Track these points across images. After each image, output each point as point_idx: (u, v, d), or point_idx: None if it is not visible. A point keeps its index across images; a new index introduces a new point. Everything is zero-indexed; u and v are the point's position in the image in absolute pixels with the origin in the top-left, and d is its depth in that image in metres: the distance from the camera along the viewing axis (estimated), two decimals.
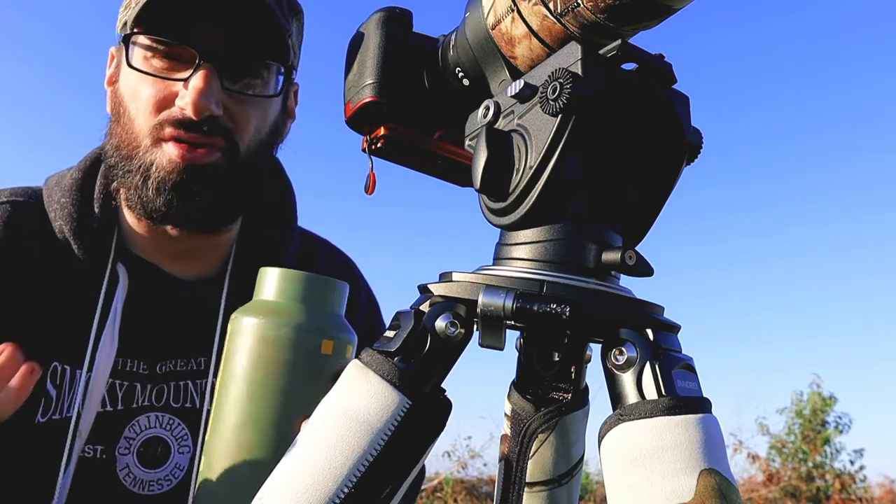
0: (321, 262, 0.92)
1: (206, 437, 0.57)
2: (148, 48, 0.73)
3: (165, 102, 0.72)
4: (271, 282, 0.55)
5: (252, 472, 0.52)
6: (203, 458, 0.57)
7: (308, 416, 0.47)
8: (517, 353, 0.52)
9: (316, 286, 0.54)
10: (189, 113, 0.70)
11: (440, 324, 0.41)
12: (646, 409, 0.38)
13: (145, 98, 0.73)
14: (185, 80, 0.71)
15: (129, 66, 0.73)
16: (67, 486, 0.70)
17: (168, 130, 0.71)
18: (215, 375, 0.76)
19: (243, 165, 0.75)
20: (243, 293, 0.80)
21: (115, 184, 0.78)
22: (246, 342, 0.53)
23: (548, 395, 0.51)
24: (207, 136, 0.72)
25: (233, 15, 0.71)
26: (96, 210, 0.78)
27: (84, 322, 0.74)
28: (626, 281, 0.45)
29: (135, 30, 0.72)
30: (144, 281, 0.78)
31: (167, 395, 0.77)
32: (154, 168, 0.72)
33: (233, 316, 0.56)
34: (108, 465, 0.73)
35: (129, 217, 0.80)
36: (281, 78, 0.78)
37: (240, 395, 0.53)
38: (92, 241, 0.77)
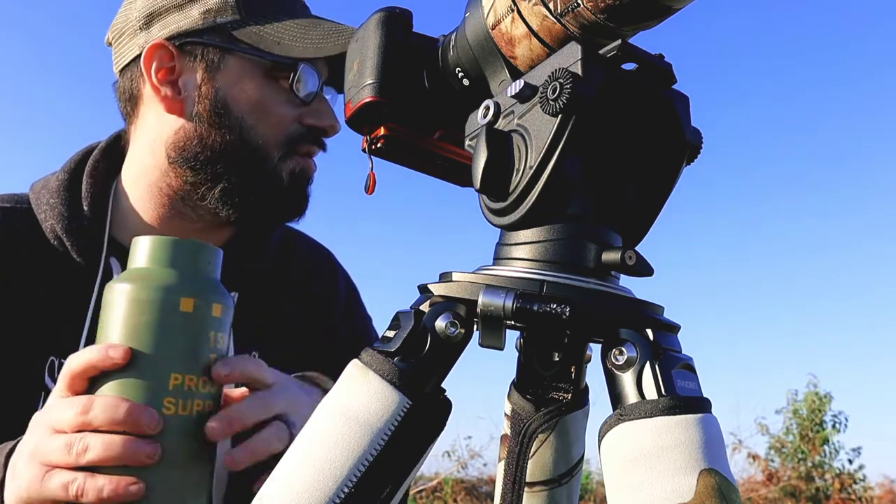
0: (299, 252, 0.96)
1: None
2: (276, 65, 0.81)
3: (291, 121, 0.82)
4: (140, 250, 0.57)
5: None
6: None
7: (185, 372, 0.54)
8: (517, 353, 0.52)
9: (180, 250, 0.56)
10: (330, 132, 0.84)
11: (440, 324, 0.42)
12: (646, 409, 0.38)
13: (279, 113, 0.81)
14: (308, 104, 0.82)
15: (292, 90, 0.81)
16: None
17: (304, 147, 0.83)
18: None
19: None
20: (234, 280, 0.83)
21: (182, 173, 0.81)
22: (114, 309, 0.55)
23: (548, 395, 0.51)
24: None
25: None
26: (85, 208, 0.81)
27: (80, 317, 0.76)
28: (626, 281, 0.45)
29: (298, 59, 0.81)
30: None
31: None
32: (285, 176, 0.82)
33: (106, 286, 0.57)
34: None
35: (137, 213, 0.83)
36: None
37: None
38: (85, 239, 0.79)
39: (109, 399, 0.52)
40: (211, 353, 0.56)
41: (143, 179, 0.83)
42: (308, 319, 0.92)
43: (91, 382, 0.54)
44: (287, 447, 0.57)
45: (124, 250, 0.81)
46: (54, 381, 0.74)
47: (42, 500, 0.53)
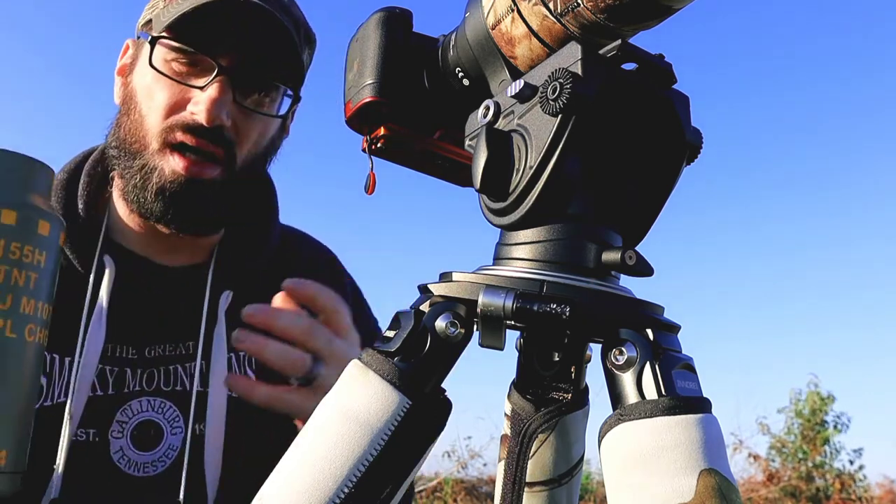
0: (301, 252, 0.96)
1: None
2: (171, 52, 0.76)
3: (178, 106, 0.76)
4: None
5: None
6: None
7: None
8: (517, 353, 0.52)
9: (4, 161, 0.52)
10: (201, 119, 0.74)
11: (440, 324, 0.42)
12: (646, 409, 0.38)
13: (159, 100, 0.76)
14: (202, 88, 0.75)
15: (151, 66, 0.76)
16: (61, 469, 0.71)
17: (178, 135, 0.75)
18: (203, 358, 0.80)
19: (238, 178, 0.80)
20: (227, 278, 0.83)
21: (112, 172, 0.81)
22: None
23: (548, 395, 0.51)
24: (212, 144, 0.76)
25: (254, 35, 0.75)
26: (81, 207, 0.81)
27: (73, 313, 0.76)
28: (626, 281, 0.45)
29: (163, 34, 0.75)
30: (132, 270, 0.81)
31: (157, 379, 0.79)
32: (157, 174, 0.76)
33: None
34: (102, 448, 0.75)
35: (122, 210, 0.83)
36: (288, 100, 0.83)
37: None
38: (79, 237, 0.79)
39: None
40: (32, 272, 0.51)
41: (116, 181, 0.83)
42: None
43: None
44: (299, 379, 0.55)
45: (121, 250, 0.81)
46: (46, 375, 0.74)
47: None
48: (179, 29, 0.75)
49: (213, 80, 0.75)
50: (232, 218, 0.86)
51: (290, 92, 0.83)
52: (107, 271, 0.78)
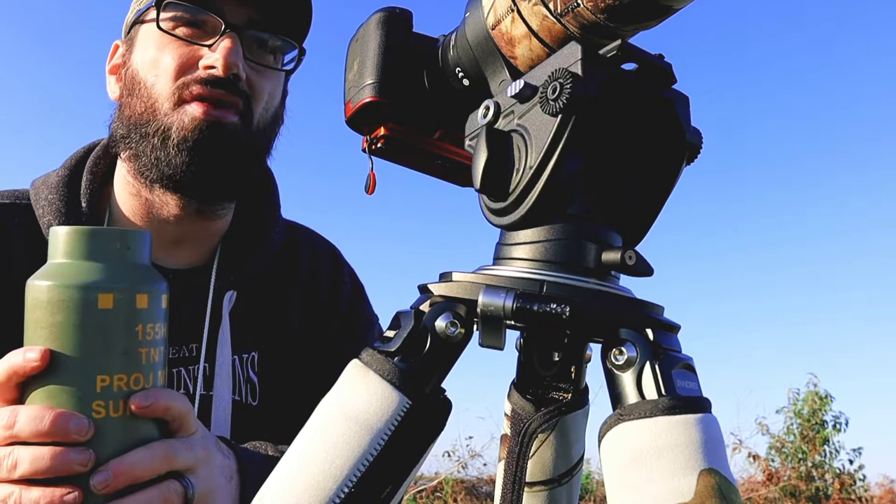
0: (304, 249, 0.94)
1: None
2: (173, 19, 0.76)
3: (188, 66, 0.75)
4: (58, 242, 0.53)
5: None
6: None
7: (111, 372, 0.50)
8: (517, 353, 0.52)
9: (98, 240, 0.52)
10: (218, 69, 0.74)
11: (440, 324, 0.42)
12: (646, 409, 0.38)
13: (167, 63, 0.75)
14: (211, 46, 0.75)
15: (159, 28, 0.76)
16: None
17: (194, 88, 0.74)
18: (206, 361, 0.78)
19: (255, 135, 0.79)
20: (230, 280, 0.82)
21: (121, 158, 0.80)
22: (30, 310, 0.52)
23: (548, 395, 0.51)
24: (230, 94, 0.75)
25: None
26: (83, 204, 0.80)
27: None
28: (626, 281, 0.45)
29: None
30: None
31: None
32: (175, 128, 0.74)
33: (27, 283, 0.53)
34: None
35: (125, 207, 0.82)
36: (294, 56, 0.83)
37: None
38: None
39: (34, 410, 0.49)
40: (141, 347, 0.52)
41: (119, 174, 0.83)
42: (312, 317, 0.91)
43: (21, 389, 0.52)
44: None
45: None
46: None
47: None
48: None
49: (224, 36, 0.75)
50: (248, 186, 0.84)
51: (296, 48, 0.82)
52: None
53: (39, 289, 0.51)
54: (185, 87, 0.74)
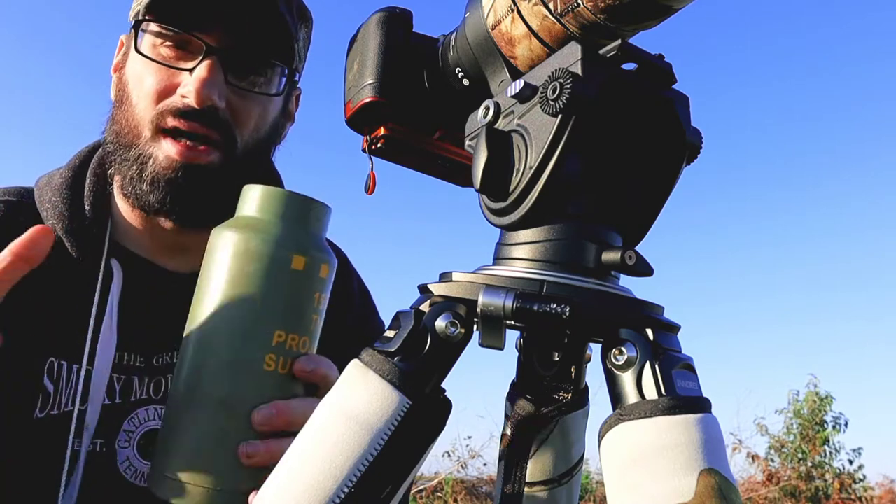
0: None
1: (178, 358, 0.57)
2: (157, 36, 0.74)
3: (168, 91, 0.73)
4: (251, 199, 0.55)
5: (231, 386, 0.53)
6: (176, 378, 0.56)
7: (287, 330, 0.52)
8: (517, 353, 0.52)
9: (294, 204, 0.55)
10: (191, 101, 0.71)
11: (440, 324, 0.42)
12: (646, 409, 0.38)
13: (148, 85, 0.73)
14: (190, 70, 0.72)
15: (137, 51, 0.74)
16: (79, 481, 0.69)
17: (169, 120, 0.72)
18: None
19: (240, 163, 0.76)
20: None
21: (111, 170, 0.79)
22: (219, 255, 0.54)
23: (548, 395, 0.51)
24: (207, 127, 0.72)
25: (243, 13, 0.72)
26: (87, 207, 0.79)
27: (80, 318, 0.75)
28: (626, 281, 0.45)
29: (146, 17, 0.73)
30: (138, 276, 0.79)
31: (165, 387, 0.78)
32: (151, 162, 0.73)
33: (213, 231, 0.56)
34: (109, 458, 0.74)
35: (124, 210, 0.81)
36: (284, 79, 0.80)
37: (213, 306, 0.54)
38: (84, 239, 0.77)
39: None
40: (314, 314, 0.55)
41: (118, 177, 0.81)
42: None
43: (191, 320, 0.55)
44: None
45: (127, 254, 0.79)
46: (53, 382, 0.73)
47: None
48: (161, 10, 0.72)
49: (202, 61, 0.71)
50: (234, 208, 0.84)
51: (286, 70, 0.79)
52: (115, 277, 0.77)
53: (231, 238, 0.53)
54: (162, 117, 0.72)
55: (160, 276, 0.81)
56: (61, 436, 0.71)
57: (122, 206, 0.81)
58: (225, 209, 0.79)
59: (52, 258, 0.76)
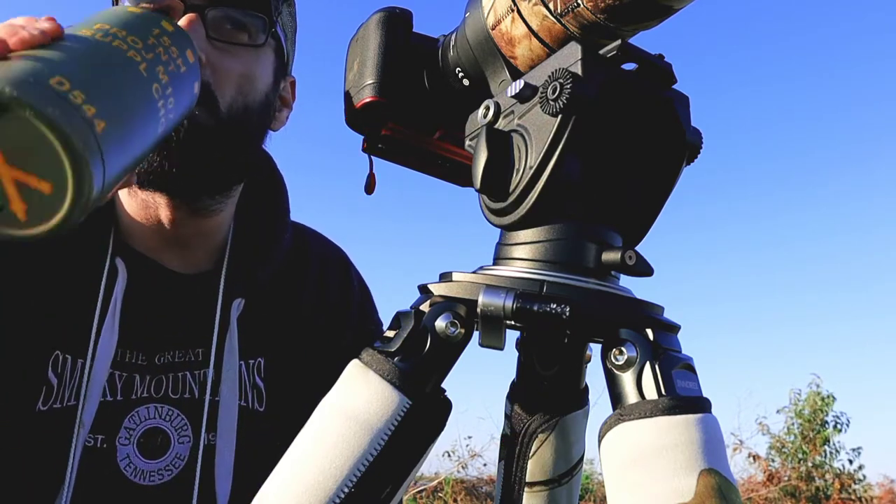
0: (313, 253, 0.93)
1: None
2: (136, 2, 0.71)
3: None
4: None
5: None
6: None
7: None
8: (517, 353, 0.52)
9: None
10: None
11: (440, 324, 0.42)
12: (646, 409, 0.38)
13: None
14: None
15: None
16: (73, 476, 0.70)
17: None
18: (214, 366, 0.77)
19: (227, 125, 0.72)
20: (239, 285, 0.81)
21: None
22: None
23: (548, 395, 0.51)
24: None
25: None
26: None
27: (85, 314, 0.74)
28: (625, 281, 0.45)
29: None
30: (143, 274, 0.79)
31: (166, 386, 0.78)
32: None
33: None
34: (109, 455, 0.74)
35: (129, 206, 0.80)
36: (264, 34, 0.75)
37: None
38: (89, 236, 0.77)
39: None
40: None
41: None
42: (321, 322, 0.89)
43: None
44: None
45: (130, 250, 0.79)
46: (57, 375, 0.73)
47: None
48: None
49: (182, 18, 0.68)
50: (230, 180, 0.79)
51: (265, 22, 0.75)
52: (119, 275, 0.76)
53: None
54: None
55: (164, 276, 0.80)
56: (63, 430, 0.71)
57: (126, 202, 0.80)
58: (216, 179, 0.77)
59: (57, 255, 0.76)
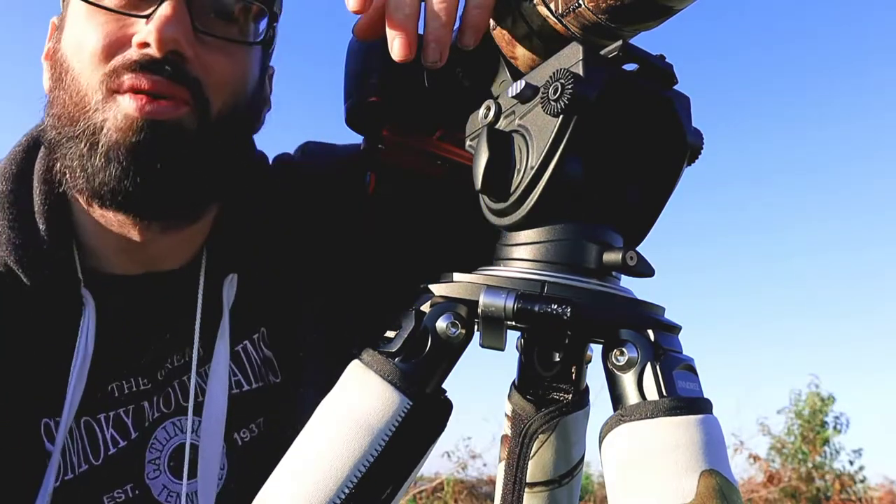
0: (301, 188, 0.78)
1: None
2: None
3: (120, 43, 0.58)
4: None
5: None
6: None
7: None
8: (518, 354, 0.52)
9: None
10: (152, 48, 0.56)
11: (441, 324, 0.41)
12: (647, 410, 0.38)
13: (93, 43, 0.58)
14: (148, 17, 0.57)
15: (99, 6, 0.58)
16: None
17: (125, 78, 0.56)
18: (202, 353, 0.70)
19: (217, 132, 0.61)
20: (227, 263, 0.70)
21: (58, 165, 0.62)
22: None
23: (548, 396, 0.51)
24: (172, 80, 0.57)
25: None
26: (43, 227, 0.63)
27: (60, 366, 0.63)
28: (626, 281, 0.45)
29: None
30: (118, 298, 0.66)
31: (174, 397, 0.71)
32: (105, 129, 0.57)
33: None
34: (145, 498, 0.67)
35: (91, 224, 0.66)
36: (264, 26, 0.65)
37: None
38: (46, 267, 0.62)
39: None
40: None
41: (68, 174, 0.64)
42: (328, 258, 0.76)
43: None
44: None
45: (99, 277, 0.65)
46: (53, 443, 0.63)
47: None
48: None
49: (164, 3, 0.56)
50: (215, 195, 0.67)
51: (265, 12, 0.64)
52: (86, 312, 0.64)
53: None
54: (116, 76, 0.57)
55: (141, 288, 0.68)
56: (87, 499, 0.64)
57: (87, 223, 0.66)
58: (201, 194, 0.63)
59: (14, 298, 0.62)
